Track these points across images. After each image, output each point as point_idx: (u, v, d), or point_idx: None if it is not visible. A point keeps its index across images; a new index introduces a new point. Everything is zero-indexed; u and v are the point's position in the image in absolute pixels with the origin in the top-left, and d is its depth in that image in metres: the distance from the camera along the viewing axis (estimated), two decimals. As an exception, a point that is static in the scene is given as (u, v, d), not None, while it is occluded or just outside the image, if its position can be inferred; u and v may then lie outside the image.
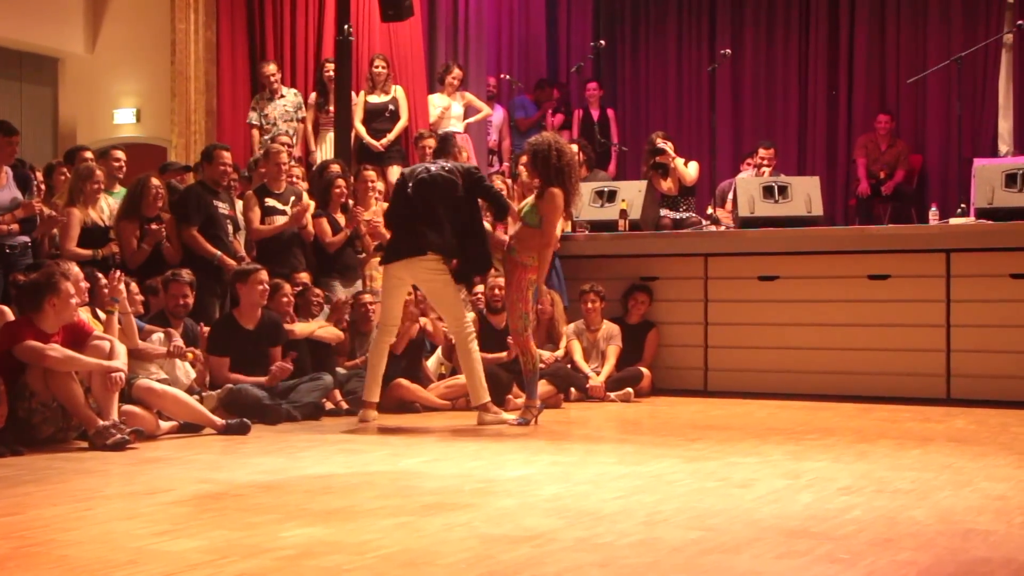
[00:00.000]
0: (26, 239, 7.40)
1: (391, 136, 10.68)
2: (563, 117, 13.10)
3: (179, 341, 6.95)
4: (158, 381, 6.68)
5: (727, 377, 9.07)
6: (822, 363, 8.80)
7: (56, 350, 6.02)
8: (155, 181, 7.95)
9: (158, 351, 6.87)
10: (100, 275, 6.81)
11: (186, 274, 7.33)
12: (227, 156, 8.36)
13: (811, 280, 8.91)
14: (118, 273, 6.74)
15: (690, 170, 10.15)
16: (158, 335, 6.98)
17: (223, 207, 8.26)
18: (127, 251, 7.77)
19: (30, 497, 4.64)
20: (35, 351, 5.99)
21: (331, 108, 10.53)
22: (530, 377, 7.20)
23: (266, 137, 10.49)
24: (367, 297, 8.48)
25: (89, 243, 7.58)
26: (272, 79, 10.81)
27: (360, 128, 10.66)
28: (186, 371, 7.05)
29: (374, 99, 10.79)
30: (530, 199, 7.33)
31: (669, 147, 10.13)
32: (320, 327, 8.00)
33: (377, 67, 10.76)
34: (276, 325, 7.60)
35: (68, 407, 6.04)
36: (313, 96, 10.93)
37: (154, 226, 7.78)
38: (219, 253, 8.02)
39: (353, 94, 10.51)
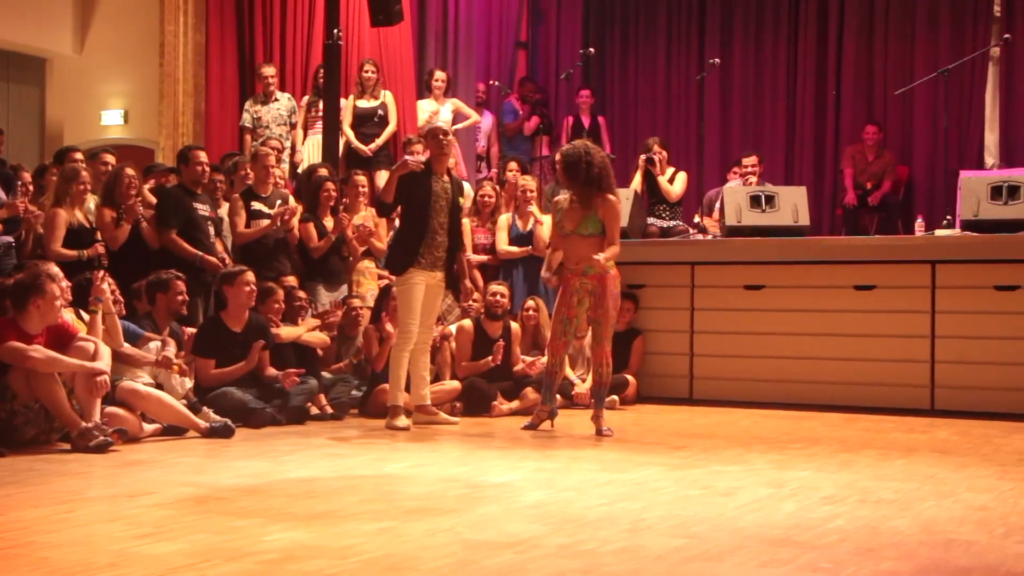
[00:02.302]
0: (9, 239, 7.37)
1: (379, 141, 10.69)
2: (539, 120, 13.07)
3: (170, 351, 6.92)
4: (144, 384, 6.66)
5: (712, 385, 9.08)
6: (807, 372, 8.82)
7: (39, 351, 6.00)
8: (129, 171, 7.96)
9: (147, 358, 6.83)
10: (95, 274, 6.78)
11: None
12: (203, 156, 8.34)
13: (797, 290, 8.93)
14: (101, 273, 6.72)
15: (675, 186, 10.14)
16: (155, 343, 6.95)
17: (203, 209, 8.23)
18: (107, 233, 7.77)
19: (11, 499, 4.61)
20: (17, 352, 5.96)
21: (317, 109, 10.54)
22: (604, 388, 7.18)
23: (257, 141, 10.47)
24: (356, 302, 8.47)
25: (75, 244, 7.55)
26: (269, 81, 10.82)
27: (349, 132, 10.66)
28: (181, 381, 7.02)
29: (363, 104, 10.79)
30: (563, 202, 7.13)
31: (658, 160, 10.09)
32: (307, 331, 7.98)
33: (367, 72, 10.76)
34: (263, 328, 7.58)
35: (50, 408, 6.02)
36: (306, 98, 10.93)
37: (130, 202, 7.77)
38: (200, 254, 7.99)
39: (343, 100, 10.51)
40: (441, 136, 7.49)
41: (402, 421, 7.25)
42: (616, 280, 7.05)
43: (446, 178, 7.48)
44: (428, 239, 7.33)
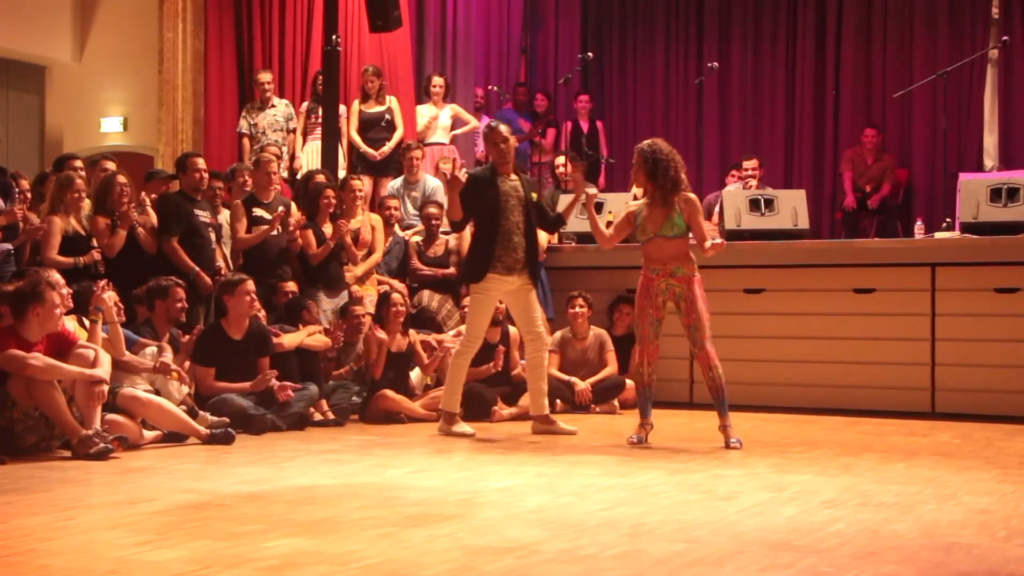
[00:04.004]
0: (8, 247, 7.37)
1: (390, 145, 10.70)
2: (555, 132, 13.07)
3: (168, 357, 6.92)
4: (144, 391, 6.66)
5: (713, 389, 9.05)
6: (807, 376, 8.82)
7: (38, 359, 5.99)
8: (121, 178, 7.95)
9: (145, 365, 6.83)
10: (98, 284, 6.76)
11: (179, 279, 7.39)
12: (201, 163, 8.34)
13: (797, 293, 8.93)
14: (102, 283, 6.71)
15: None
16: (151, 349, 6.94)
17: (203, 215, 8.24)
18: (103, 240, 7.78)
19: (12, 506, 4.61)
20: (17, 360, 5.96)
21: (317, 116, 10.56)
22: (721, 392, 6.78)
23: (256, 147, 10.49)
24: (359, 309, 8.45)
25: (70, 251, 7.55)
26: (266, 87, 10.82)
27: (356, 137, 10.69)
28: (178, 387, 7.01)
29: (369, 109, 10.80)
30: (640, 206, 6.87)
31: None
32: (308, 335, 7.96)
33: (370, 79, 10.76)
34: (264, 335, 7.57)
35: (50, 416, 6.01)
36: (306, 104, 10.95)
37: (123, 209, 7.78)
38: (196, 269, 7.99)
39: (343, 106, 10.52)
40: (500, 143, 7.26)
41: (461, 427, 7.17)
42: (701, 282, 6.81)
43: (514, 176, 7.28)
44: (504, 241, 7.15)
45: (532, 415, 7.40)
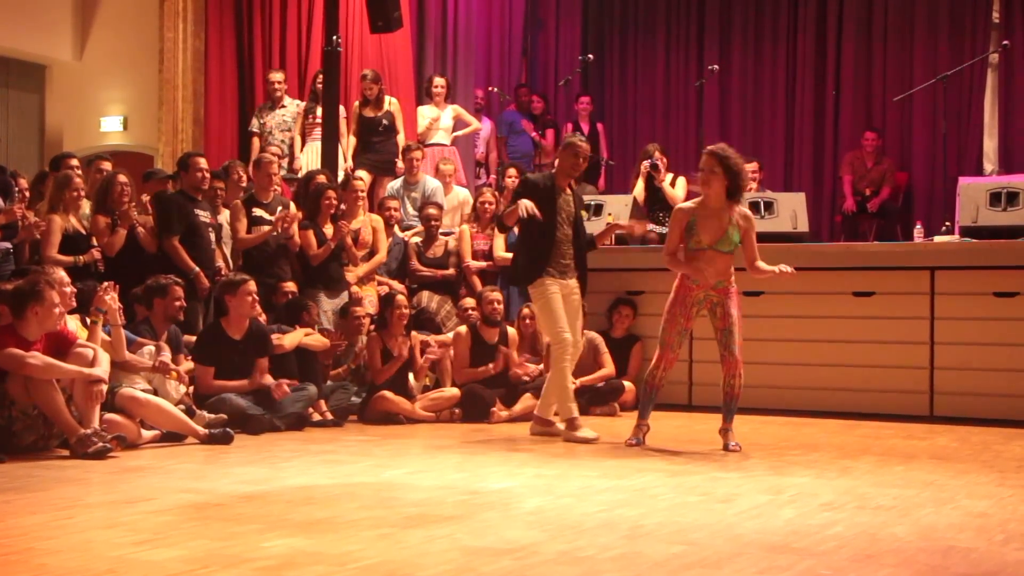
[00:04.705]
0: (7, 245, 7.38)
1: (400, 161, 10.69)
2: (555, 132, 13.04)
3: (166, 357, 6.92)
4: (142, 391, 6.66)
5: (711, 392, 8.97)
6: (806, 379, 8.81)
7: (36, 358, 5.99)
8: (121, 178, 7.97)
9: (144, 364, 6.84)
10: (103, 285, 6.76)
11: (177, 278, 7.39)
12: (203, 163, 8.35)
13: (796, 296, 8.92)
14: (106, 284, 6.69)
15: (677, 190, 10.14)
16: (149, 348, 6.95)
17: (203, 215, 8.24)
18: (103, 239, 7.78)
19: (10, 505, 4.61)
20: (15, 359, 5.95)
21: (315, 116, 10.56)
22: (735, 400, 6.79)
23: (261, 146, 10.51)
24: (359, 310, 8.44)
25: (70, 250, 7.56)
26: (276, 87, 10.83)
27: (349, 144, 10.69)
28: (176, 386, 7.01)
29: (368, 113, 10.79)
30: (694, 212, 6.67)
31: (663, 164, 10.10)
32: (306, 334, 7.96)
33: (368, 87, 10.76)
34: (263, 336, 7.57)
35: (49, 415, 6.01)
36: (304, 104, 10.95)
37: (123, 208, 7.78)
38: (196, 269, 7.99)
39: (343, 108, 10.52)
40: (582, 158, 7.25)
41: (587, 432, 7.07)
42: (738, 292, 6.78)
43: (568, 191, 7.30)
44: (555, 250, 7.18)
45: (535, 414, 7.40)
